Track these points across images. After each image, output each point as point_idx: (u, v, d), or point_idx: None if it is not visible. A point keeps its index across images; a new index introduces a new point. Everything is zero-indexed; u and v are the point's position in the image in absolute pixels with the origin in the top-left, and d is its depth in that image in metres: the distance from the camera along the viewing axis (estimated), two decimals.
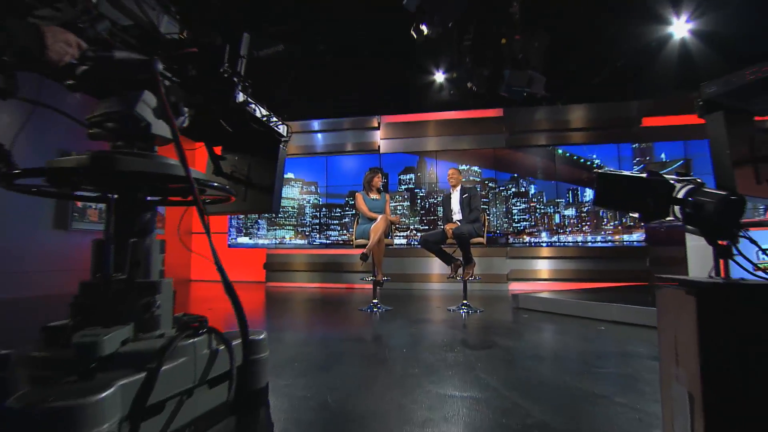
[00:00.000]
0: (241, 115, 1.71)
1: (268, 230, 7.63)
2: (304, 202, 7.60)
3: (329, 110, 7.80)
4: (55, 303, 4.51)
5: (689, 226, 1.75)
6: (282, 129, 1.85)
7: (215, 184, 1.62)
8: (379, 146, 7.42)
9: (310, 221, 7.52)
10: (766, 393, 1.17)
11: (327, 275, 7.25)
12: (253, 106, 1.70)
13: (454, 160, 7.03)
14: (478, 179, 6.99)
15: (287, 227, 7.57)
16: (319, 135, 7.82)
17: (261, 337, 1.57)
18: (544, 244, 6.68)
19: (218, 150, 2.05)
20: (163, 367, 1.17)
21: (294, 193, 7.60)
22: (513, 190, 6.85)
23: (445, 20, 4.08)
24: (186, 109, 1.56)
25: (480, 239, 4.59)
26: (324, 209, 7.48)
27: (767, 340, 1.20)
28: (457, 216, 4.76)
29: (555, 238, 6.69)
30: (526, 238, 6.76)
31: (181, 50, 1.66)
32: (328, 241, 7.39)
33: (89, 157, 1.37)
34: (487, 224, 4.79)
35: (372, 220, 4.54)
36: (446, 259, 4.65)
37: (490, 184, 6.97)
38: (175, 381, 1.27)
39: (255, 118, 1.72)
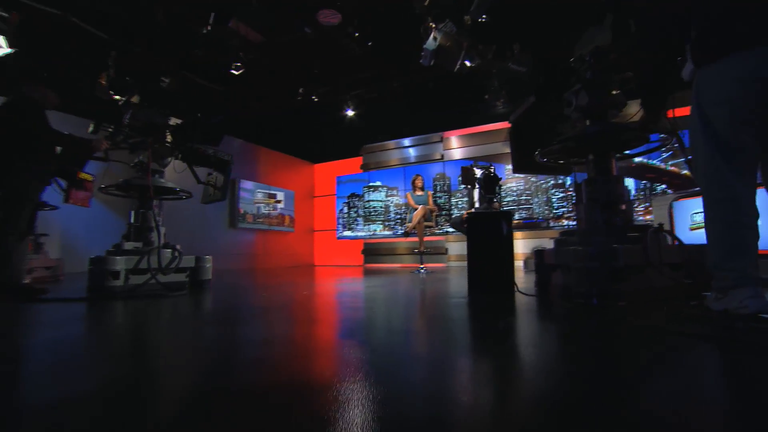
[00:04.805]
0: (200, 153, 3.80)
1: (364, 225, 9.99)
2: (389, 202, 9.77)
3: (405, 132, 9.89)
4: (229, 272, 7.37)
5: (483, 191, 3.53)
6: (227, 157, 3.93)
7: (169, 186, 3.67)
8: (442, 155, 9.25)
9: (393, 216, 9.66)
10: (483, 260, 2.87)
11: (406, 257, 9.32)
12: (203, 149, 3.83)
13: (502, 162, 8.48)
14: (522, 176, 8.32)
15: (377, 222, 9.82)
16: (400, 150, 9.96)
17: (207, 257, 3.65)
18: None
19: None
20: (146, 256, 3.15)
21: (381, 196, 9.83)
22: (552, 182, 8.02)
23: (449, 68, 5.79)
24: (170, 159, 3.75)
25: None
26: (403, 207, 9.54)
27: (482, 237, 2.90)
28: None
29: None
30: (565, 222, 7.86)
31: (169, 130, 3.78)
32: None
33: (124, 180, 3.55)
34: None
35: (416, 209, 6.46)
36: None
37: (531, 179, 8.25)
38: (154, 263, 3.21)
39: (207, 153, 3.82)
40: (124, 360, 1.34)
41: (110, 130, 3.51)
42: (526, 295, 2.54)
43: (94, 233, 6.63)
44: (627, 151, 2.54)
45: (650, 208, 6.45)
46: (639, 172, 7.16)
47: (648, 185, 7.22)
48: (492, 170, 3.46)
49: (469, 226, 2.87)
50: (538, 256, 2.80)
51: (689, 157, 1.86)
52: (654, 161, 6.92)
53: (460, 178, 8.44)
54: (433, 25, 5.36)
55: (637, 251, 2.00)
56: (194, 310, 2.43)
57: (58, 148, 3.38)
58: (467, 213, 6.27)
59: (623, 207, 2.31)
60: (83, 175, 3.68)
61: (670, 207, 4.80)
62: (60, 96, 3.45)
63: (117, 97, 3.67)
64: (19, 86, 3.25)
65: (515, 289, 2.70)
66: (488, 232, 2.80)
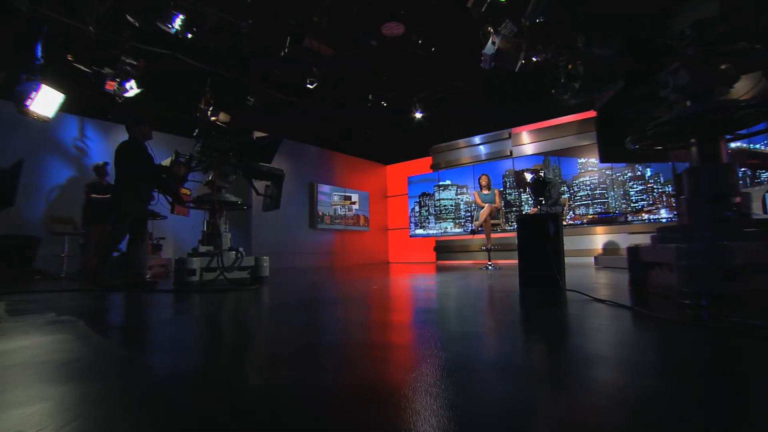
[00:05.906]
0: (256, 170, 3.94)
1: (435, 223, 9.80)
2: (459, 200, 9.49)
3: (473, 130, 9.53)
4: (310, 269, 7.57)
5: (532, 194, 3.33)
6: (279, 172, 4.13)
7: (232, 200, 3.87)
8: (511, 152, 8.77)
9: (463, 214, 9.37)
10: (533, 258, 2.67)
11: (477, 254, 8.98)
12: (260, 165, 4.02)
13: (573, 155, 7.82)
14: (595, 169, 7.59)
15: (448, 220, 9.59)
16: (469, 149, 9.63)
17: (264, 257, 3.88)
18: (664, 220, 6.84)
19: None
20: (215, 257, 3.51)
21: (451, 194, 9.59)
22: (629, 174, 7.22)
23: (509, 69, 5.39)
24: (233, 176, 3.94)
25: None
26: (473, 205, 9.21)
27: (530, 238, 2.70)
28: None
29: (674, 213, 6.79)
30: (644, 216, 7.04)
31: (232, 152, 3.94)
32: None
33: (198, 195, 3.82)
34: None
35: (482, 207, 6.17)
36: None
37: (606, 172, 7.50)
38: (221, 263, 3.52)
39: (262, 170, 3.98)
40: (230, 330, 1.79)
41: (186, 156, 4.07)
42: (568, 290, 2.65)
43: (198, 236, 7.22)
44: (741, 131, 2.13)
45: None
46: (737, 158, 6.18)
47: (748, 173, 6.21)
48: (541, 174, 3.31)
49: (518, 227, 2.75)
50: (632, 253, 2.49)
51: None
52: (757, 145, 5.93)
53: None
54: (491, 30, 5.05)
55: (759, 248, 1.65)
56: (272, 300, 2.74)
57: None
58: (523, 213, 5.89)
59: (737, 199, 1.93)
60: (183, 190, 4.16)
61: (764, 198, 4.12)
62: (165, 119, 3.87)
63: (213, 118, 4.03)
64: (132, 125, 3.89)
65: (560, 284, 2.74)
66: (536, 232, 2.67)
